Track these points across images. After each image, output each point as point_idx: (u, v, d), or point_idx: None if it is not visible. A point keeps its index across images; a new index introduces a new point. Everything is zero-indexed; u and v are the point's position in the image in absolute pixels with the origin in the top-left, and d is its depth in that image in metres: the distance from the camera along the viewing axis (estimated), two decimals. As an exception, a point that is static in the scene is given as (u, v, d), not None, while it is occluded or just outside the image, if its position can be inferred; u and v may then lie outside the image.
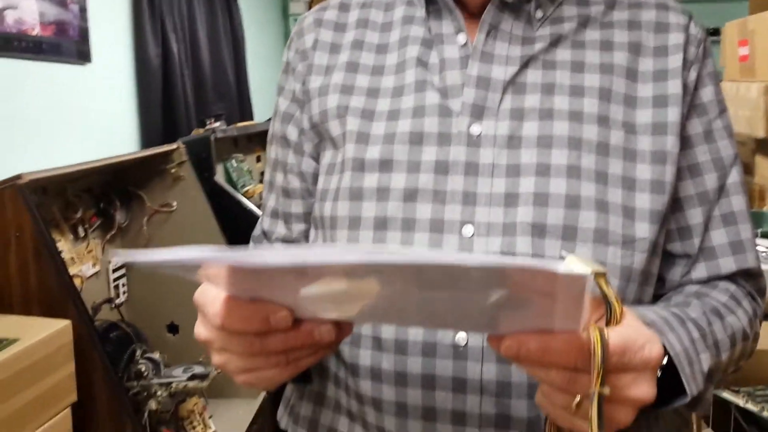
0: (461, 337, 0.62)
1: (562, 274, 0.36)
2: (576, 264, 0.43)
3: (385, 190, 0.66)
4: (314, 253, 0.37)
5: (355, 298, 0.43)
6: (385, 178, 0.66)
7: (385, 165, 0.66)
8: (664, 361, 0.54)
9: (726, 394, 1.75)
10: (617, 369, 0.46)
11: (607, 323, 0.48)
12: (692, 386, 0.55)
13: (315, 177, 0.75)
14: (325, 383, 0.72)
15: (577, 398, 0.46)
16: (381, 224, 0.65)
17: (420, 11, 0.71)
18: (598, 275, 0.46)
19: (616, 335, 0.46)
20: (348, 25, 0.74)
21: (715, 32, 4.57)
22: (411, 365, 0.63)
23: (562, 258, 0.47)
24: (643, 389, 0.47)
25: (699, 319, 0.60)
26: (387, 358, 0.64)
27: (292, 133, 0.76)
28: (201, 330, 0.51)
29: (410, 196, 0.65)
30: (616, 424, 0.48)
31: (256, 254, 0.38)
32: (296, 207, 0.76)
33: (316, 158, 0.75)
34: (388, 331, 0.64)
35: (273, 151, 0.79)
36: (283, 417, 0.80)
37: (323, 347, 0.50)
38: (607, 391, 0.44)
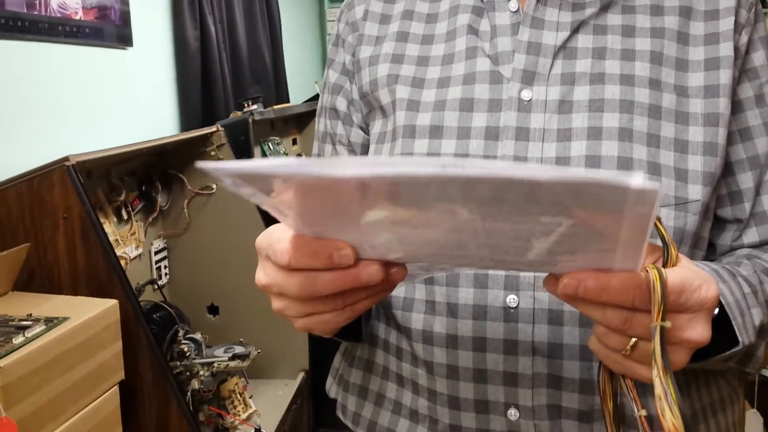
0: (512, 298, 0.63)
1: (634, 188, 0.35)
2: None
3: (435, 156, 0.66)
4: (388, 162, 0.35)
5: (418, 230, 0.42)
6: (435, 144, 0.66)
7: (436, 131, 0.67)
8: (715, 312, 0.53)
9: (770, 374, 1.71)
10: (674, 309, 0.46)
11: (664, 265, 0.48)
12: (744, 336, 0.55)
13: (363, 147, 0.76)
14: (374, 350, 0.74)
15: (633, 340, 0.46)
16: None
17: None
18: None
19: (673, 275, 0.45)
20: None
21: (763, 3, 4.41)
22: (462, 328, 0.64)
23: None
24: (698, 330, 0.47)
25: (750, 276, 0.60)
26: (439, 321, 0.65)
27: (342, 104, 0.77)
28: (261, 275, 0.51)
29: None
30: (671, 366, 0.47)
31: (329, 164, 0.37)
32: None
33: (365, 129, 0.75)
34: (440, 294, 0.65)
35: (322, 123, 0.80)
36: (332, 387, 0.81)
37: (378, 291, 0.50)
38: (668, 324, 0.44)
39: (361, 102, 0.75)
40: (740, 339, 0.54)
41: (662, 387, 0.43)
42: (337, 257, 0.45)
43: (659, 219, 0.47)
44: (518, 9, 0.68)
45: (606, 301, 0.44)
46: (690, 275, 0.47)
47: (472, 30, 0.69)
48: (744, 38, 0.67)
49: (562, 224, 0.39)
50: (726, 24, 0.66)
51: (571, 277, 0.44)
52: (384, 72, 0.72)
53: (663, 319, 0.44)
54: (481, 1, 0.70)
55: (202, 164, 0.39)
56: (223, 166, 0.38)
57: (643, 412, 0.46)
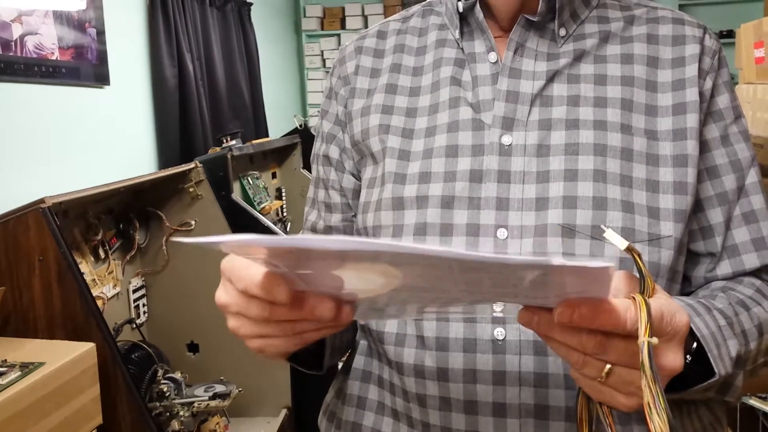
0: (499, 331, 0.65)
1: (554, 264, 0.39)
2: (614, 237, 0.49)
3: (423, 198, 0.70)
4: (361, 242, 0.39)
5: (396, 281, 0.45)
6: (423, 187, 0.70)
7: (424, 177, 0.71)
8: (694, 346, 0.56)
9: (753, 401, 1.72)
10: (652, 335, 0.48)
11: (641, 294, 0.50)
12: (720, 367, 0.57)
13: (354, 192, 0.80)
14: (366, 386, 0.76)
15: (607, 367, 0.48)
16: (421, 230, 0.69)
17: (451, 34, 0.76)
18: (632, 250, 0.49)
19: (654, 302, 0.48)
20: (386, 51, 0.80)
21: (730, 34, 4.54)
22: (452, 361, 0.66)
23: (603, 230, 0.52)
24: (671, 358, 0.50)
25: (725, 309, 0.62)
26: (430, 355, 0.68)
27: (334, 152, 0.81)
28: (221, 294, 0.54)
29: (447, 203, 0.69)
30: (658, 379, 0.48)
31: (304, 240, 0.40)
32: (336, 220, 0.81)
33: (356, 175, 0.80)
34: (430, 329, 0.68)
35: (315, 169, 0.85)
36: (322, 422, 0.82)
37: (327, 327, 0.53)
38: (655, 340, 0.46)
39: (353, 150, 0.79)
40: (716, 370, 0.56)
41: (651, 393, 0.45)
42: (276, 293, 0.49)
43: (636, 252, 0.50)
44: (497, 60, 0.72)
45: (599, 325, 0.46)
46: (666, 303, 0.50)
47: (455, 81, 0.74)
48: (708, 83, 0.70)
49: (534, 274, 0.42)
50: (691, 71, 0.70)
51: (566, 305, 0.46)
52: (375, 122, 0.76)
53: (651, 334, 0.46)
54: (462, 53, 0.75)
55: (184, 239, 0.42)
56: (194, 241, 0.42)
57: None
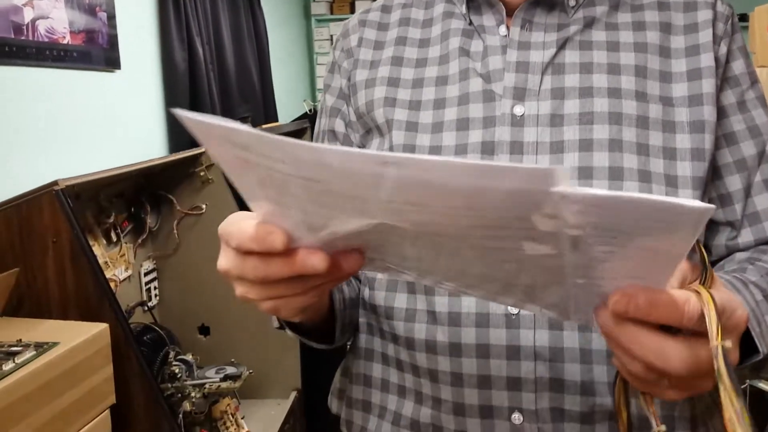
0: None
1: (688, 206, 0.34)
2: None
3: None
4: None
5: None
6: None
7: (435, 150, 0.70)
8: None
9: (762, 384, 1.72)
10: None
11: (701, 285, 0.46)
12: (762, 345, 0.55)
13: None
14: (370, 365, 0.76)
15: None
16: None
17: (458, 7, 0.75)
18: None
19: (717, 296, 0.44)
20: (390, 24, 0.79)
21: (744, 18, 4.47)
22: (465, 336, 0.66)
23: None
24: (732, 354, 0.45)
25: (759, 282, 0.61)
26: (441, 330, 0.67)
27: (340, 125, 0.79)
28: (221, 260, 0.48)
29: None
30: (700, 388, 0.46)
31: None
32: None
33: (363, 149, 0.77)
34: (441, 304, 0.67)
35: None
36: (333, 402, 0.83)
37: (335, 278, 0.47)
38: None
39: (358, 123, 0.77)
40: (760, 349, 0.54)
41: (733, 408, 0.40)
42: (270, 241, 0.43)
43: (698, 240, 0.45)
44: (507, 34, 0.71)
45: (655, 319, 0.42)
46: (727, 298, 0.46)
47: (464, 52, 0.72)
48: (723, 49, 0.69)
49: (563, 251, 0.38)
50: (705, 36, 0.69)
51: (622, 294, 0.42)
52: (381, 94, 0.74)
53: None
54: (470, 25, 0.73)
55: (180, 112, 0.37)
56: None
57: (663, 428, 0.45)
